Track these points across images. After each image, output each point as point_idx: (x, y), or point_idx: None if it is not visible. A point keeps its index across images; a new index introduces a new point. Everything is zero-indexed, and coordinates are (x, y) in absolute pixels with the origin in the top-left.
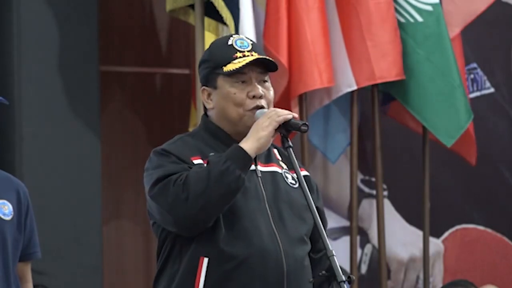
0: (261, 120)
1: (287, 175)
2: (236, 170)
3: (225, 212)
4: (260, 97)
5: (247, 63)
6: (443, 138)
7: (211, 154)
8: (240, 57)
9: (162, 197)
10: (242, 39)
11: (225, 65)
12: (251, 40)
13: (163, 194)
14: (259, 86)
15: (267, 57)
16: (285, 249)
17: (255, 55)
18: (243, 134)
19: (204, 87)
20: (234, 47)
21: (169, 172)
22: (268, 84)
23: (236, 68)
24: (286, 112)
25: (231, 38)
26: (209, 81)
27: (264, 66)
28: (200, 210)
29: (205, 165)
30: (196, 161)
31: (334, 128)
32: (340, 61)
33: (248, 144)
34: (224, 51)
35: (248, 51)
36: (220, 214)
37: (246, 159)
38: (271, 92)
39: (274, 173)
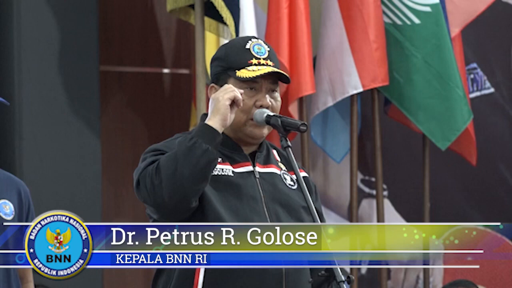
0: (215, 95)
1: (285, 176)
2: (203, 144)
3: (223, 213)
4: (267, 107)
5: (261, 74)
6: (438, 141)
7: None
8: (255, 64)
9: (143, 191)
10: (260, 44)
11: (238, 69)
12: (269, 47)
13: (143, 187)
14: (267, 96)
15: (282, 71)
16: None
17: (270, 64)
18: (241, 140)
19: (213, 84)
20: (251, 52)
21: (149, 161)
22: (277, 94)
23: (250, 77)
24: (234, 88)
25: (250, 41)
26: (219, 80)
27: (276, 76)
28: (175, 191)
29: None
30: None
31: (337, 128)
32: (344, 62)
33: (211, 120)
34: (240, 54)
35: (264, 58)
36: (217, 216)
37: (212, 133)
38: (279, 103)
39: (272, 174)
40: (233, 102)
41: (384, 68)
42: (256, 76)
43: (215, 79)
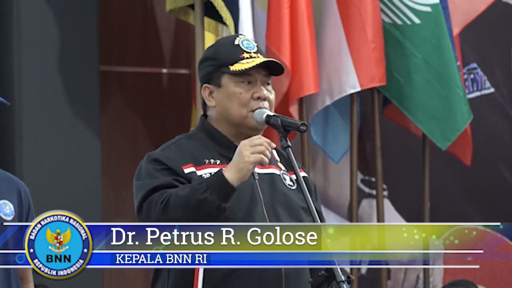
0: (244, 149)
1: (285, 176)
2: (215, 200)
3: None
4: (264, 99)
5: (256, 65)
6: (438, 141)
7: (196, 180)
8: (247, 57)
9: (145, 220)
10: (248, 40)
11: (231, 64)
12: (255, 42)
13: (147, 216)
14: (263, 88)
15: (276, 60)
16: None
17: (261, 57)
18: (242, 135)
19: (206, 84)
20: (241, 47)
21: (154, 185)
22: (271, 87)
23: (245, 69)
24: (267, 144)
25: (238, 38)
26: (213, 79)
27: (269, 70)
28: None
29: (188, 187)
30: (187, 170)
31: (337, 128)
32: (342, 62)
33: (231, 174)
34: (230, 50)
35: (254, 52)
36: None
37: (226, 189)
38: (274, 95)
39: (272, 175)
40: None
41: (382, 68)
42: (253, 66)
43: (207, 79)
